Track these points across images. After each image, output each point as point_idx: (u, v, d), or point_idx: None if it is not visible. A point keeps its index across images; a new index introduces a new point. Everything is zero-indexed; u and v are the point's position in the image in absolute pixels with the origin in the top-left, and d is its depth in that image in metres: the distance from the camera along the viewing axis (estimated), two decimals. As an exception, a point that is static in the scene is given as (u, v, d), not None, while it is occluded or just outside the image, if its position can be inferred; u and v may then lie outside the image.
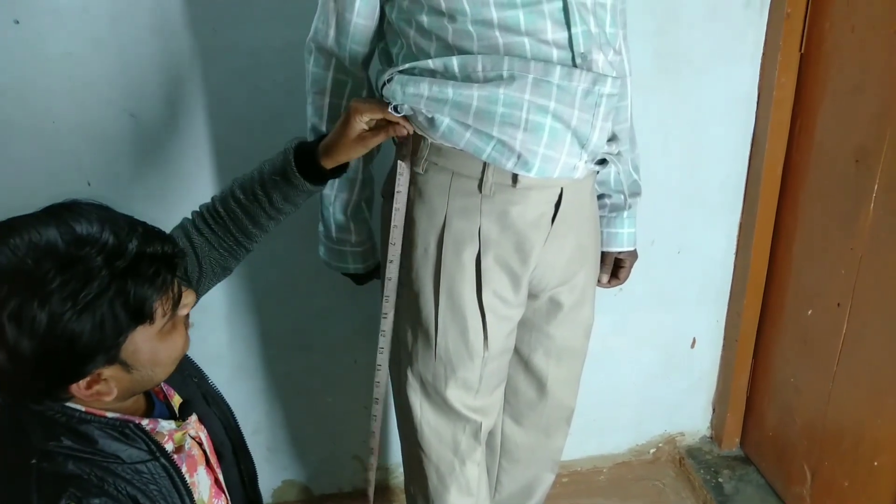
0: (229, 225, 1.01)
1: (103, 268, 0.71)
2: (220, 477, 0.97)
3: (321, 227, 1.21)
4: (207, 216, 1.01)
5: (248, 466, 1.08)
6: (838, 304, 1.45)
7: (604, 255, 1.28)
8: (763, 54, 1.55)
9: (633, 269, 1.39)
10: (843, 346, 1.45)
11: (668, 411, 1.92)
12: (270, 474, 1.76)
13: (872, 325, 1.38)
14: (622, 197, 1.22)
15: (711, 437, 1.95)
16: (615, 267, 1.30)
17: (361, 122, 0.98)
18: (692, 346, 1.85)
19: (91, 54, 1.31)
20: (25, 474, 0.75)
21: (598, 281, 1.29)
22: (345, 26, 1.03)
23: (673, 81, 1.56)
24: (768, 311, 1.72)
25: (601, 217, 1.25)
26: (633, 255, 1.30)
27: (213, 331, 1.58)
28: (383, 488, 1.82)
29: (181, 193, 1.42)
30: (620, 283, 1.32)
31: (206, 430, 0.97)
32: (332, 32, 1.04)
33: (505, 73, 0.94)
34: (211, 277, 1.01)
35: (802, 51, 1.50)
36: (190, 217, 1.03)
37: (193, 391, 0.98)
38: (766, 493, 1.76)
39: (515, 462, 1.35)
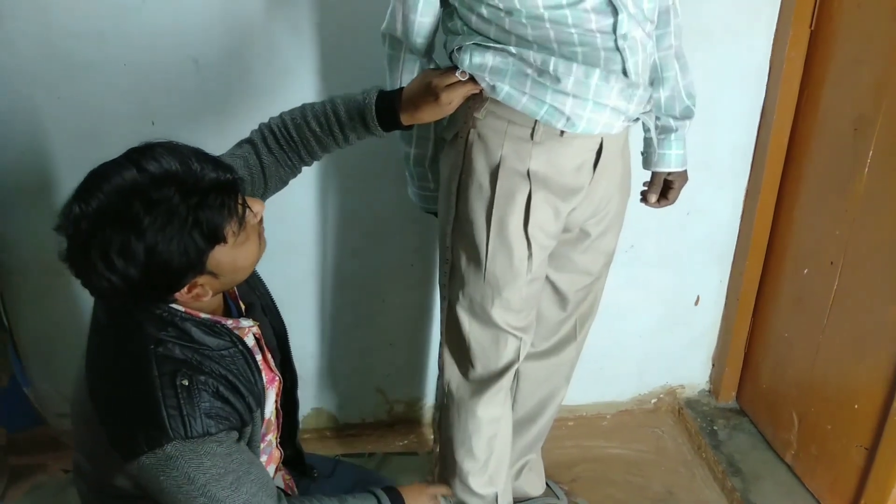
0: (300, 149, 1.15)
1: (181, 204, 0.85)
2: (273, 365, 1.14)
3: (407, 174, 1.39)
4: (280, 136, 1.14)
5: (292, 374, 1.23)
6: (831, 263, 1.57)
7: (653, 175, 1.39)
8: (776, 30, 1.66)
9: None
10: (833, 301, 1.58)
11: (670, 364, 2.05)
12: (301, 402, 1.91)
13: (861, 281, 1.51)
14: (671, 119, 1.33)
15: (710, 391, 2.09)
16: (665, 188, 1.39)
17: (448, 103, 1.12)
18: (696, 303, 1.98)
19: (164, 5, 1.45)
20: (146, 357, 0.92)
21: (647, 200, 1.40)
22: (410, 26, 1.17)
23: (689, 53, 1.66)
24: (769, 272, 1.85)
25: (651, 139, 1.35)
26: (683, 176, 1.39)
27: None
28: (409, 420, 1.98)
29: (237, 135, 1.56)
30: (670, 204, 1.41)
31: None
32: (399, 27, 1.19)
33: (551, 67, 1.09)
34: (273, 191, 1.16)
35: (812, 27, 1.61)
36: (259, 133, 1.15)
37: (255, 300, 1.13)
38: (757, 440, 1.90)
39: (531, 381, 1.51)
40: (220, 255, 0.91)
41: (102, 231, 0.84)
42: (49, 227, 1.61)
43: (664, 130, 1.34)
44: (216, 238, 0.89)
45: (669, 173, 1.38)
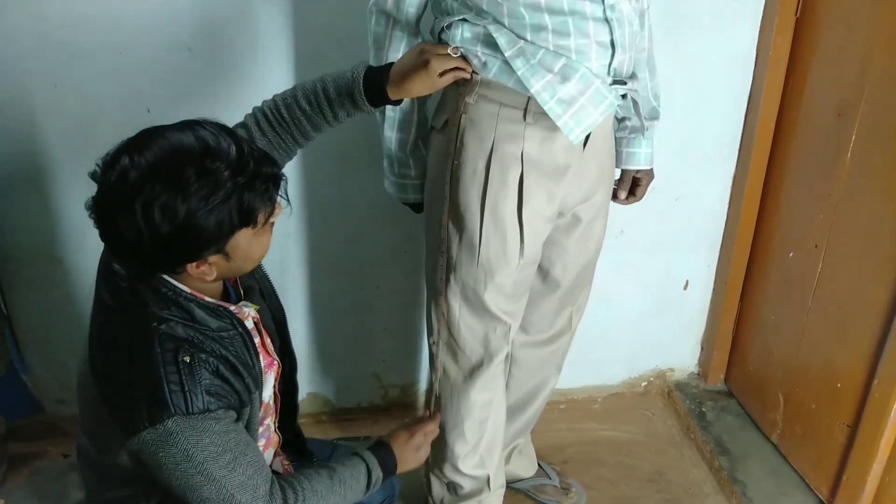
0: (292, 130, 1.17)
1: (230, 179, 0.90)
2: (272, 349, 1.15)
3: (385, 163, 1.38)
4: (272, 118, 1.16)
5: (291, 359, 1.25)
6: (815, 246, 1.61)
7: (623, 173, 1.44)
8: (762, 17, 1.69)
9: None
10: (817, 283, 1.62)
11: (660, 348, 2.09)
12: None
13: (843, 263, 1.55)
14: (640, 120, 1.36)
15: (698, 374, 2.12)
16: (633, 185, 1.45)
17: (438, 71, 1.13)
18: (685, 288, 2.01)
19: (158, -8, 1.46)
20: (149, 334, 0.95)
21: (616, 197, 1.45)
22: None
23: (677, 41, 1.68)
24: (756, 256, 1.88)
25: (621, 138, 1.40)
26: (650, 173, 1.45)
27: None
28: (404, 404, 2.01)
29: (231, 122, 1.57)
30: (637, 200, 1.47)
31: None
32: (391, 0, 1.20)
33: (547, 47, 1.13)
34: None
35: (798, 14, 1.63)
36: (253, 117, 1.17)
37: (253, 284, 1.16)
38: (744, 420, 1.94)
39: (524, 369, 1.53)
40: (241, 239, 0.95)
41: (152, 186, 0.88)
42: (46, 216, 1.66)
43: (634, 130, 1.39)
44: (249, 220, 0.94)
45: (638, 171, 1.43)
